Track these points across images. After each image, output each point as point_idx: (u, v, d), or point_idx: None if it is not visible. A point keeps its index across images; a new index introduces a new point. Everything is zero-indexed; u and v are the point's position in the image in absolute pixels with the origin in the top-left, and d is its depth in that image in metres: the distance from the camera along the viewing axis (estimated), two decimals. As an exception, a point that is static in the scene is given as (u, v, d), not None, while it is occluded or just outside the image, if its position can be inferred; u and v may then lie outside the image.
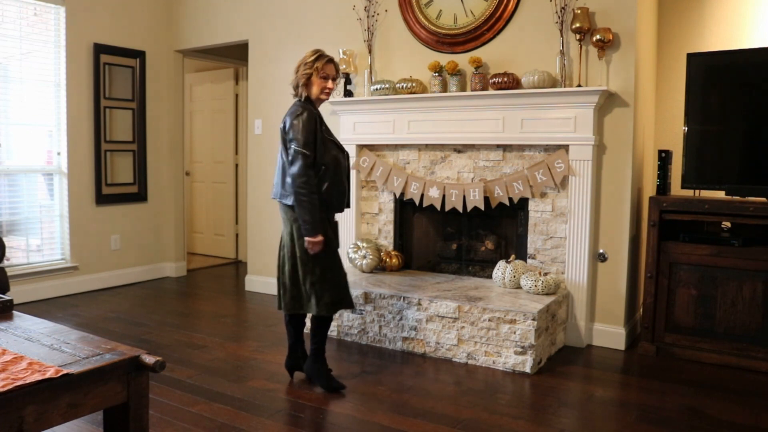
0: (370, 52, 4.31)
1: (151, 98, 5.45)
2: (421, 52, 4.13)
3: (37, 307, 4.43)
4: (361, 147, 4.32)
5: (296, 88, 2.93)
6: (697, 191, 3.54)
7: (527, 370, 3.20)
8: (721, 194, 3.51)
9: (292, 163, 2.82)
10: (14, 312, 2.20)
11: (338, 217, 3.20)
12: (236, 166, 6.53)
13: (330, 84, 2.91)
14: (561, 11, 3.59)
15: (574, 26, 3.51)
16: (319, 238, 2.81)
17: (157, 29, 5.47)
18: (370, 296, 3.66)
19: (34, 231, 4.81)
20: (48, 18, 4.77)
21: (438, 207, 4.01)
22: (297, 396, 2.91)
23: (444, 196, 3.97)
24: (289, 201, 2.84)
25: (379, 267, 4.22)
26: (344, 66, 4.25)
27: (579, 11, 3.50)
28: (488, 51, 3.88)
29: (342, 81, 4.31)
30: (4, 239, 3.87)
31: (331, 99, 3.77)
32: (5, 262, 3.86)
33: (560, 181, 3.64)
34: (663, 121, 4.19)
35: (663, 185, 3.63)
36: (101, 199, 5.10)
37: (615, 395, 2.96)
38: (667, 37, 4.12)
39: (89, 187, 5.03)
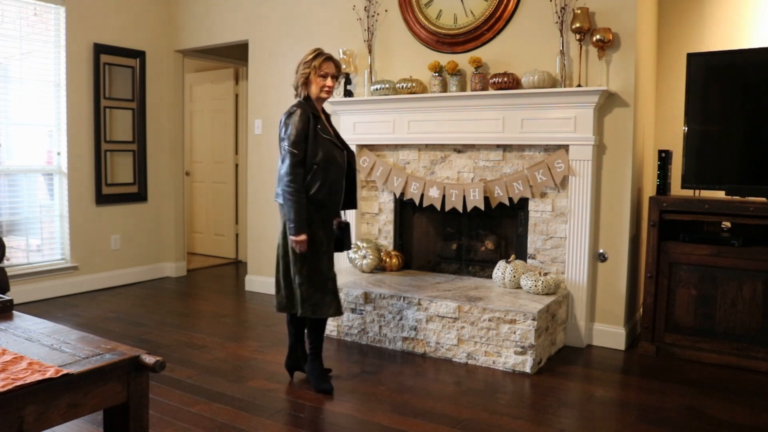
0: (370, 52, 4.31)
1: (151, 98, 5.45)
2: (421, 52, 4.12)
3: (37, 307, 4.44)
4: (361, 147, 4.32)
5: (296, 88, 2.93)
6: (697, 191, 3.54)
7: (527, 370, 3.20)
8: (721, 194, 3.50)
9: (282, 161, 2.84)
10: (14, 312, 2.20)
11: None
12: (236, 166, 6.53)
13: (329, 82, 2.89)
14: (561, 11, 3.59)
15: (574, 26, 3.51)
16: (302, 237, 2.78)
17: (157, 29, 5.47)
18: (370, 296, 3.66)
19: (34, 231, 4.81)
20: (48, 18, 4.77)
21: (438, 207, 4.01)
22: (297, 396, 2.90)
23: (444, 196, 3.97)
24: (281, 200, 2.86)
25: (379, 267, 4.22)
26: (344, 66, 4.24)
27: (579, 11, 3.50)
28: (488, 51, 3.88)
29: (342, 81, 4.30)
30: (4, 239, 3.87)
31: (331, 99, 3.76)
32: (5, 262, 3.86)
33: (560, 181, 3.64)
34: (663, 121, 4.19)
35: (663, 185, 3.63)
36: (101, 199, 5.10)
37: (615, 395, 2.96)
38: (667, 37, 4.12)
39: (89, 187, 5.03)
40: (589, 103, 3.50)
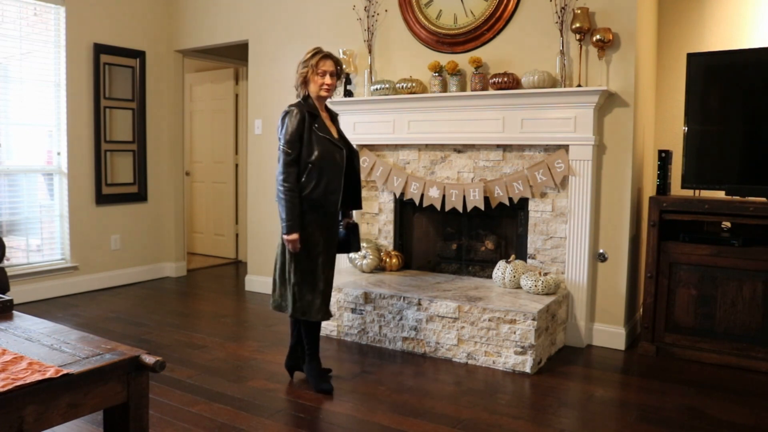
0: (370, 52, 4.31)
1: (151, 98, 5.45)
2: (421, 52, 4.12)
3: (37, 307, 4.43)
4: (361, 147, 4.32)
5: (297, 87, 2.93)
6: (697, 191, 3.54)
7: (527, 370, 3.20)
8: (721, 194, 3.50)
9: (278, 161, 2.85)
10: (14, 312, 2.20)
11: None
12: (236, 166, 6.53)
13: (328, 80, 2.87)
14: (561, 11, 3.59)
15: (574, 26, 3.51)
16: (294, 236, 2.78)
17: (157, 29, 5.47)
18: (370, 296, 3.66)
19: (34, 231, 4.81)
20: (48, 18, 4.77)
21: (438, 207, 4.01)
22: (297, 396, 2.90)
23: (444, 196, 3.97)
24: (276, 198, 2.87)
25: (379, 267, 4.22)
26: (344, 66, 4.24)
27: (579, 11, 3.50)
28: (488, 51, 3.88)
29: (342, 81, 4.30)
30: (4, 239, 3.87)
31: (331, 99, 3.75)
32: (5, 262, 3.86)
33: (560, 181, 3.64)
34: (663, 121, 4.19)
35: (663, 185, 3.63)
36: (101, 199, 5.10)
37: (615, 395, 2.96)
38: (667, 37, 4.12)
39: (89, 187, 5.03)
40: (589, 103, 3.50)
